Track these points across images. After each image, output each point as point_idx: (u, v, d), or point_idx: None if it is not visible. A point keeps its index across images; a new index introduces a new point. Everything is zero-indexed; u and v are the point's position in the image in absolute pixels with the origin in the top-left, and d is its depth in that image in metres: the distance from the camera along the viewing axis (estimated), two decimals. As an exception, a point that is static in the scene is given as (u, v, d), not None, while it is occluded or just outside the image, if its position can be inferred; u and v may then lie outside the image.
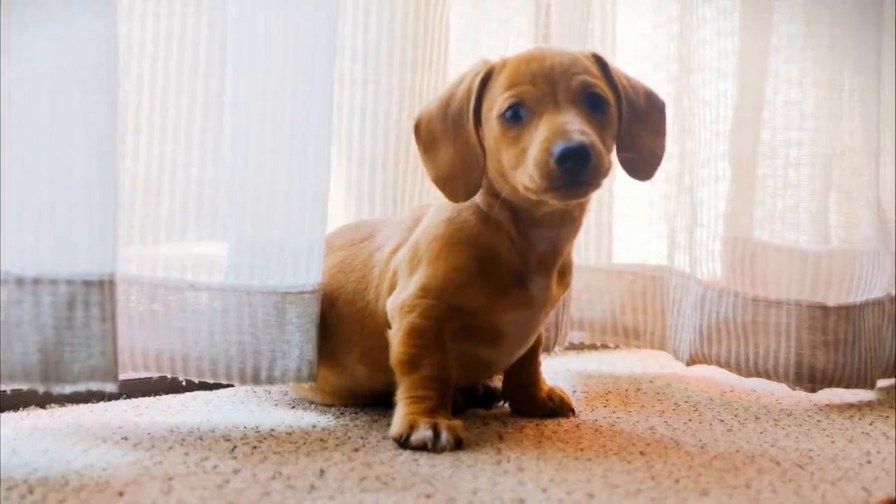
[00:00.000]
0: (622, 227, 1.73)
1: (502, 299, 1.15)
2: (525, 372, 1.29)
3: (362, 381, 1.24)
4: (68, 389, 1.03)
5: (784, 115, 1.51)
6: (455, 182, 1.14)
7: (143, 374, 1.27)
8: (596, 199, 1.66)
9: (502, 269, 1.15)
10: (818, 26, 1.49)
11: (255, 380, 1.20)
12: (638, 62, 1.68)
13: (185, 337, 1.19)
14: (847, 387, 1.46)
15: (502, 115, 1.09)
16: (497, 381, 1.36)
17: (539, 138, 1.05)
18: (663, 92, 1.61)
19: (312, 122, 1.19)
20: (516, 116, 1.09)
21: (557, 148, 1.03)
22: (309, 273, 1.21)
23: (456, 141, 1.14)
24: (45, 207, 1.02)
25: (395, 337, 1.16)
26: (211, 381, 1.21)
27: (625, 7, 1.68)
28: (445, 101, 1.16)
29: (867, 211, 1.52)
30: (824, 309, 1.45)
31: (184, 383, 1.27)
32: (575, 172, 1.03)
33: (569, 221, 1.16)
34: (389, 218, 1.34)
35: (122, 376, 1.31)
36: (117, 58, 1.06)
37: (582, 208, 1.18)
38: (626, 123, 1.15)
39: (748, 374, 1.49)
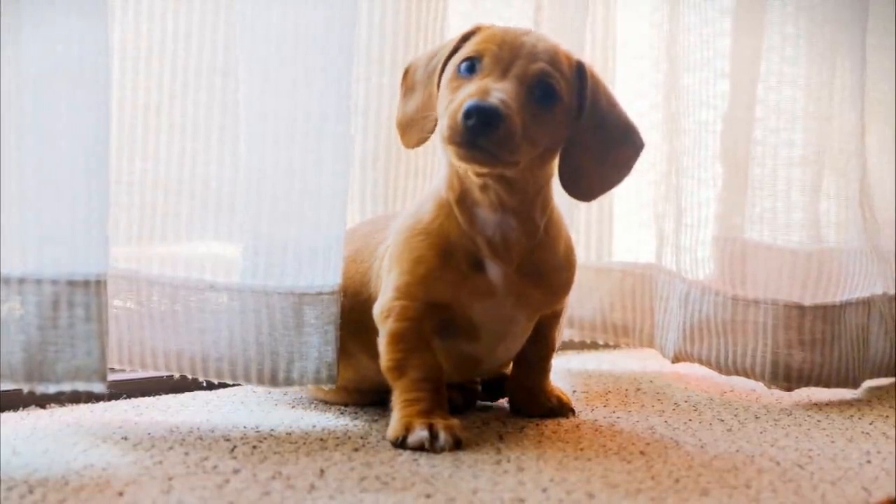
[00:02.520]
0: (614, 225, 1.73)
1: (464, 286, 1.15)
2: (531, 373, 1.28)
3: (369, 373, 1.24)
4: (52, 389, 1.03)
5: (774, 114, 1.51)
6: (411, 128, 1.17)
7: (159, 374, 1.28)
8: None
9: (459, 254, 1.15)
10: (810, 26, 1.49)
11: (274, 381, 1.20)
12: (636, 62, 1.68)
13: (205, 338, 1.19)
14: (826, 386, 1.46)
15: (458, 65, 1.11)
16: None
17: (463, 92, 1.07)
18: (661, 92, 1.63)
19: (329, 119, 1.19)
20: (470, 69, 1.10)
21: (468, 103, 1.04)
22: (327, 273, 1.20)
23: (425, 90, 1.17)
24: (31, 207, 1.02)
25: (381, 344, 1.16)
26: (230, 381, 1.22)
27: (624, 7, 1.68)
28: (433, 53, 1.19)
29: (853, 211, 1.52)
30: (800, 308, 1.45)
31: (203, 383, 1.27)
32: (475, 132, 1.03)
33: (510, 210, 1.14)
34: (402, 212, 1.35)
35: (125, 376, 1.32)
36: (108, 56, 1.06)
37: (523, 201, 1.15)
38: (581, 138, 1.14)
39: (728, 373, 1.49)
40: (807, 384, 1.46)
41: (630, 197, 1.70)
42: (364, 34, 1.41)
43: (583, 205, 1.64)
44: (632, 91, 1.67)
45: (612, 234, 1.70)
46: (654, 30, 1.64)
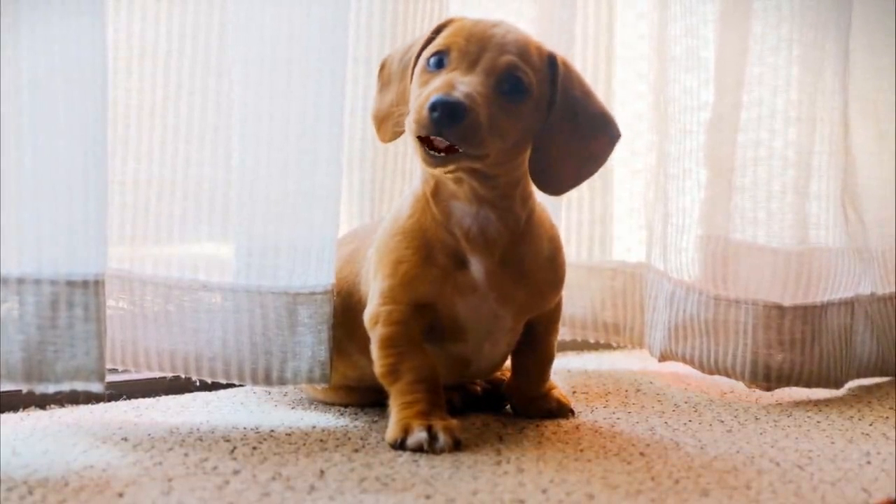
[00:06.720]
0: (613, 225, 1.73)
1: (446, 283, 1.15)
2: (530, 381, 1.28)
3: (366, 371, 1.24)
4: (52, 389, 1.03)
5: (757, 115, 1.51)
6: (385, 122, 1.18)
7: (156, 374, 1.28)
8: (576, 196, 1.65)
9: (439, 251, 1.15)
10: (797, 27, 1.49)
11: (267, 380, 1.21)
12: (637, 62, 1.68)
13: (199, 337, 1.20)
14: (807, 386, 1.47)
15: (427, 60, 1.12)
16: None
17: (431, 87, 1.07)
18: (653, 92, 1.62)
19: (322, 120, 1.19)
20: (439, 64, 1.10)
21: (433, 97, 1.04)
22: (320, 273, 1.21)
23: (400, 83, 1.17)
24: (30, 207, 1.02)
25: (373, 350, 1.16)
26: (224, 381, 1.22)
27: (624, 7, 1.68)
28: (408, 46, 1.19)
29: (836, 211, 1.52)
30: (780, 308, 1.45)
31: (197, 383, 1.27)
32: (440, 125, 1.03)
33: (487, 203, 1.14)
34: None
35: (125, 377, 1.32)
36: (106, 56, 1.06)
37: (500, 194, 1.14)
38: (553, 130, 1.13)
39: (710, 372, 1.50)
40: (787, 384, 1.47)
41: (632, 198, 1.70)
42: (351, 35, 1.41)
43: (574, 203, 1.65)
44: (632, 92, 1.68)
45: (611, 233, 1.70)
46: (654, 31, 1.64)
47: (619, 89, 1.67)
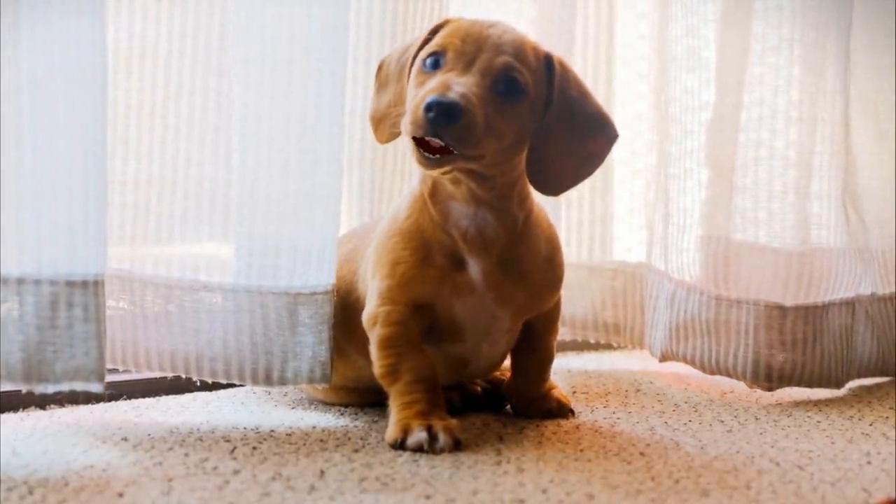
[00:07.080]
0: (615, 225, 1.73)
1: (444, 283, 1.15)
2: (529, 382, 1.28)
3: (364, 371, 1.24)
4: (51, 389, 1.03)
5: (759, 115, 1.51)
6: (383, 123, 1.18)
7: (156, 374, 1.28)
8: (576, 196, 1.66)
9: (436, 251, 1.15)
10: (798, 27, 1.49)
11: (268, 381, 1.21)
12: (638, 62, 1.68)
13: (199, 337, 1.20)
14: (808, 386, 1.47)
15: (423, 60, 1.11)
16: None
17: (427, 87, 1.07)
18: (654, 92, 1.62)
19: (323, 120, 1.19)
20: (435, 64, 1.10)
21: (428, 98, 1.04)
22: (321, 273, 1.21)
23: (397, 84, 1.17)
24: (29, 207, 1.02)
25: (372, 351, 1.16)
26: (224, 381, 1.22)
27: (625, 7, 1.68)
28: (405, 47, 1.19)
29: (836, 212, 1.53)
30: (781, 309, 1.46)
31: (197, 383, 1.27)
32: (435, 126, 1.03)
33: (485, 203, 1.14)
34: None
35: (125, 377, 1.32)
36: (106, 56, 1.06)
37: (498, 195, 1.14)
38: (550, 130, 1.13)
39: (711, 372, 1.50)
40: (788, 384, 1.47)
41: (633, 198, 1.70)
42: (352, 35, 1.41)
43: (575, 203, 1.65)
44: (632, 92, 1.68)
45: (612, 233, 1.70)
46: (655, 31, 1.64)
47: (619, 89, 1.67)
